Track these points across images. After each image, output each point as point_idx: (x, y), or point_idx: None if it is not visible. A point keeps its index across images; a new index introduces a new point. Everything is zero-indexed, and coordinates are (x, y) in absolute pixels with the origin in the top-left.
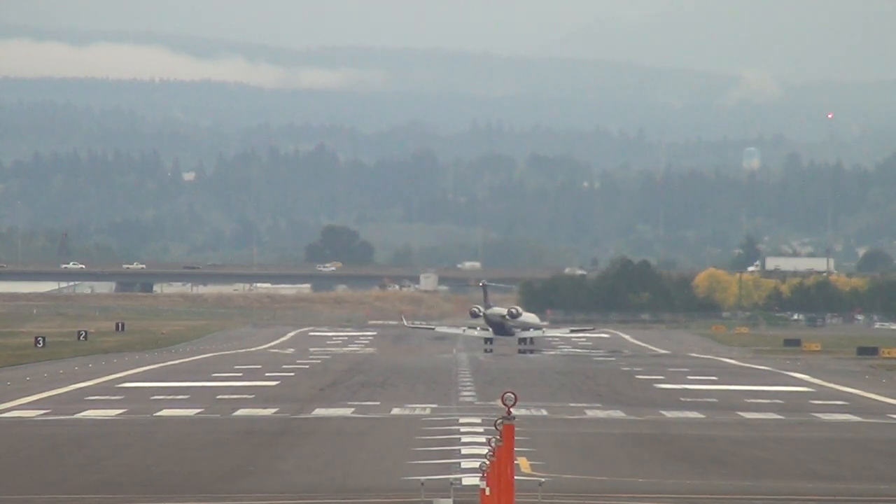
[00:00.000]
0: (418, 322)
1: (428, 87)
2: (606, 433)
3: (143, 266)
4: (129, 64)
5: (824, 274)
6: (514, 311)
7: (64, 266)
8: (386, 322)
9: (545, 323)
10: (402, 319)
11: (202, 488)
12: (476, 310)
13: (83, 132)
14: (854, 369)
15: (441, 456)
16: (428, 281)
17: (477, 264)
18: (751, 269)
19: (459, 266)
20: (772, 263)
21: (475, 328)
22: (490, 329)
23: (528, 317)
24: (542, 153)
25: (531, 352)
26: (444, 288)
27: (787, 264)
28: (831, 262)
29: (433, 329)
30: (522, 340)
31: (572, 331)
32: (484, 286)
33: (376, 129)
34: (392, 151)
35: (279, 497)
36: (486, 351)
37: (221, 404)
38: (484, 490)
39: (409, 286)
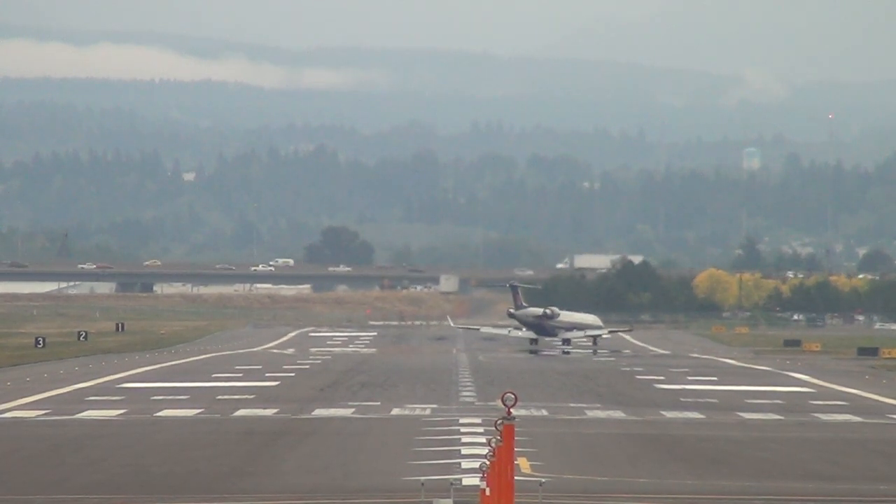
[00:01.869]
0: (464, 323)
1: (428, 87)
2: (606, 433)
3: (159, 263)
4: (129, 64)
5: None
6: (549, 311)
7: (81, 266)
8: (387, 322)
9: (589, 321)
10: (447, 320)
11: (202, 488)
12: (512, 310)
13: (83, 132)
14: (854, 370)
15: (441, 456)
16: (448, 282)
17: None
18: (560, 265)
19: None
20: (579, 262)
21: (521, 328)
22: (531, 330)
23: (578, 317)
24: (543, 153)
25: (568, 353)
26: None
27: (594, 261)
28: (639, 258)
29: (479, 329)
30: (566, 341)
31: (611, 332)
32: (513, 287)
33: (376, 129)
34: (392, 151)
35: (279, 497)
36: (530, 352)
37: (222, 404)
38: (484, 490)
39: (429, 287)
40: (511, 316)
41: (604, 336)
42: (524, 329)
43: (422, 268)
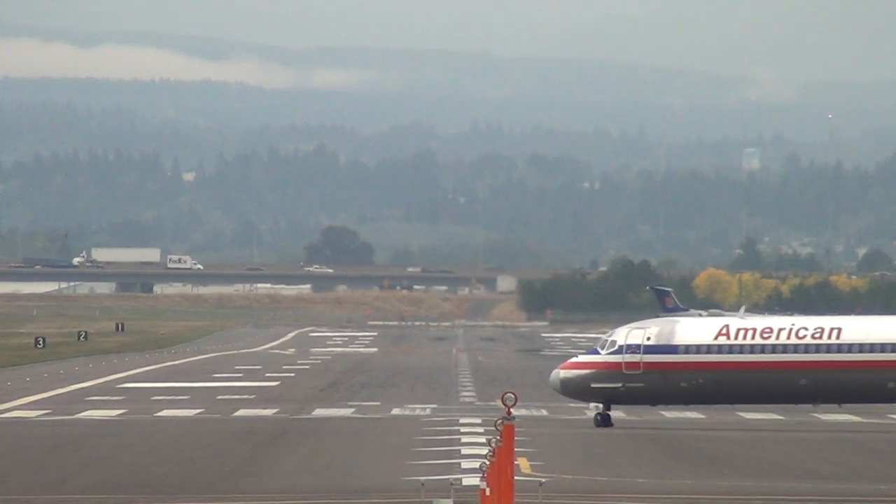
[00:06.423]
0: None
1: (428, 87)
2: (606, 433)
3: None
4: (130, 64)
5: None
6: (702, 314)
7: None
8: (387, 322)
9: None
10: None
11: (202, 488)
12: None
13: (83, 132)
14: None
15: (441, 456)
16: (505, 282)
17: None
18: (91, 257)
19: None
20: (98, 255)
21: None
22: None
23: (774, 321)
24: (542, 153)
25: None
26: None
27: (114, 255)
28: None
29: None
30: None
31: None
32: (660, 289)
33: (376, 129)
34: (392, 151)
35: (279, 497)
36: None
37: (222, 404)
38: (484, 490)
39: (479, 288)
40: None
41: None
42: None
43: (447, 267)
